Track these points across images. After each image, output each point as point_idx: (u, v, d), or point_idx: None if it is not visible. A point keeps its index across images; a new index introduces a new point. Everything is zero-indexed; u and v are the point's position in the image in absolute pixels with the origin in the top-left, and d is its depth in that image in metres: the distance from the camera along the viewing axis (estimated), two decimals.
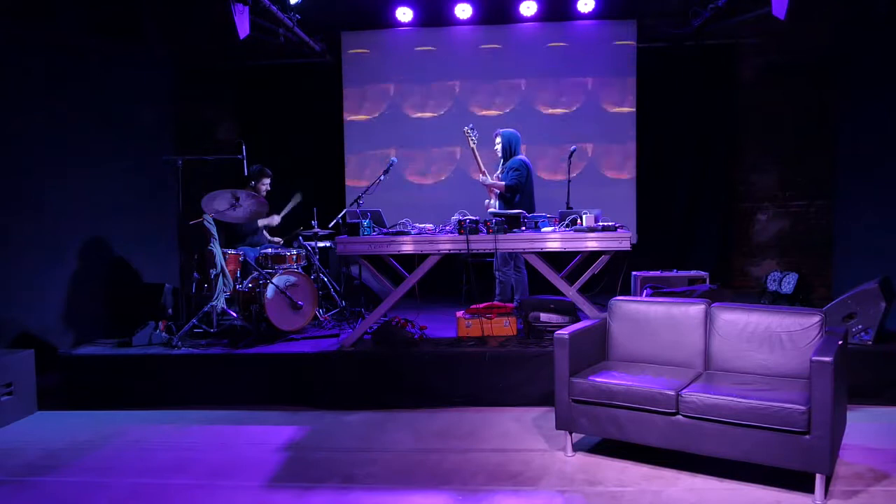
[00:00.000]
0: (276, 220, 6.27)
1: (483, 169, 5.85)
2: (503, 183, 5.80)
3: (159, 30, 7.06)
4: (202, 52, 7.58)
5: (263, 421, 4.67)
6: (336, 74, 7.77)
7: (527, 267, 5.19)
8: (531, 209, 5.67)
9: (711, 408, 3.42)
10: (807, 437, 3.20)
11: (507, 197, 5.79)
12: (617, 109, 7.51)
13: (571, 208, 5.64)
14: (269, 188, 6.15)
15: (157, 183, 6.67)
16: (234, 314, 5.44)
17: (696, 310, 4.02)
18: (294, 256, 5.77)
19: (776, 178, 7.63)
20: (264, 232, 6.30)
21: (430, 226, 5.34)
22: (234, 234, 5.96)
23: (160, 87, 7.10)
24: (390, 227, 5.29)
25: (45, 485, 3.70)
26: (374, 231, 5.23)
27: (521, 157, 5.91)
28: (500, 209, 5.66)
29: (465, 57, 7.65)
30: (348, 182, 7.78)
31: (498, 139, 5.95)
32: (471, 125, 5.92)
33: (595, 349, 4.18)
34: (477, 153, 5.83)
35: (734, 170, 7.73)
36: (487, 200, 5.97)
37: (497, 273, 6.07)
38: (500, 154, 5.96)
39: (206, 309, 5.39)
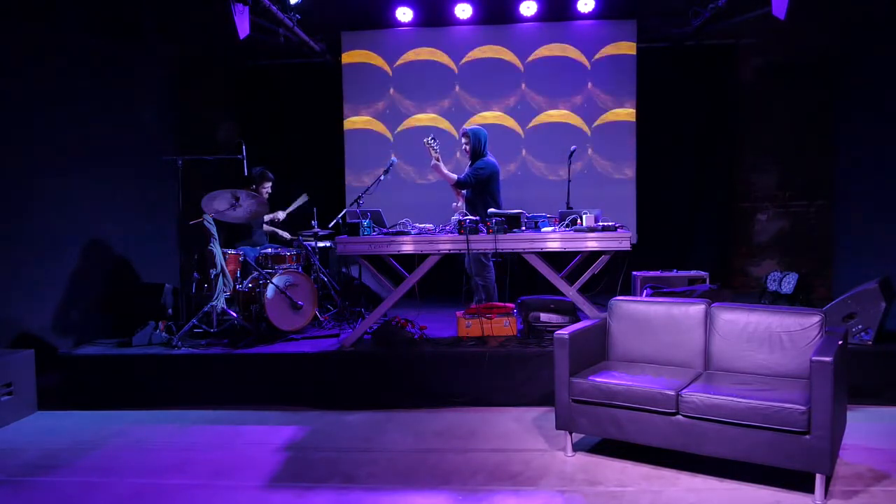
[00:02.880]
0: (280, 215, 6.27)
1: (438, 156, 5.44)
2: (454, 176, 5.53)
3: (159, 30, 7.05)
4: (202, 52, 7.58)
5: (263, 421, 4.67)
6: (336, 74, 7.78)
7: (526, 267, 5.14)
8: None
9: (711, 408, 3.42)
10: (807, 437, 3.20)
11: (468, 197, 5.58)
12: (617, 109, 7.51)
13: (571, 208, 5.64)
14: (270, 191, 6.14)
15: (157, 183, 6.66)
16: (234, 314, 5.43)
17: (696, 310, 4.02)
18: (294, 256, 5.77)
19: (776, 178, 7.63)
20: (264, 227, 6.30)
21: (430, 226, 5.34)
22: (232, 234, 5.96)
23: (160, 87, 7.10)
24: (390, 227, 5.29)
25: (45, 485, 3.70)
26: (374, 231, 5.23)
27: (489, 157, 5.61)
28: (466, 210, 5.50)
29: (464, 57, 7.64)
30: (348, 182, 7.79)
31: (465, 138, 5.62)
32: (432, 136, 5.54)
33: (595, 349, 4.18)
34: (440, 161, 5.46)
35: (734, 170, 7.73)
36: (455, 203, 5.75)
37: (477, 279, 5.72)
38: (468, 153, 5.64)
39: (206, 309, 5.40)
